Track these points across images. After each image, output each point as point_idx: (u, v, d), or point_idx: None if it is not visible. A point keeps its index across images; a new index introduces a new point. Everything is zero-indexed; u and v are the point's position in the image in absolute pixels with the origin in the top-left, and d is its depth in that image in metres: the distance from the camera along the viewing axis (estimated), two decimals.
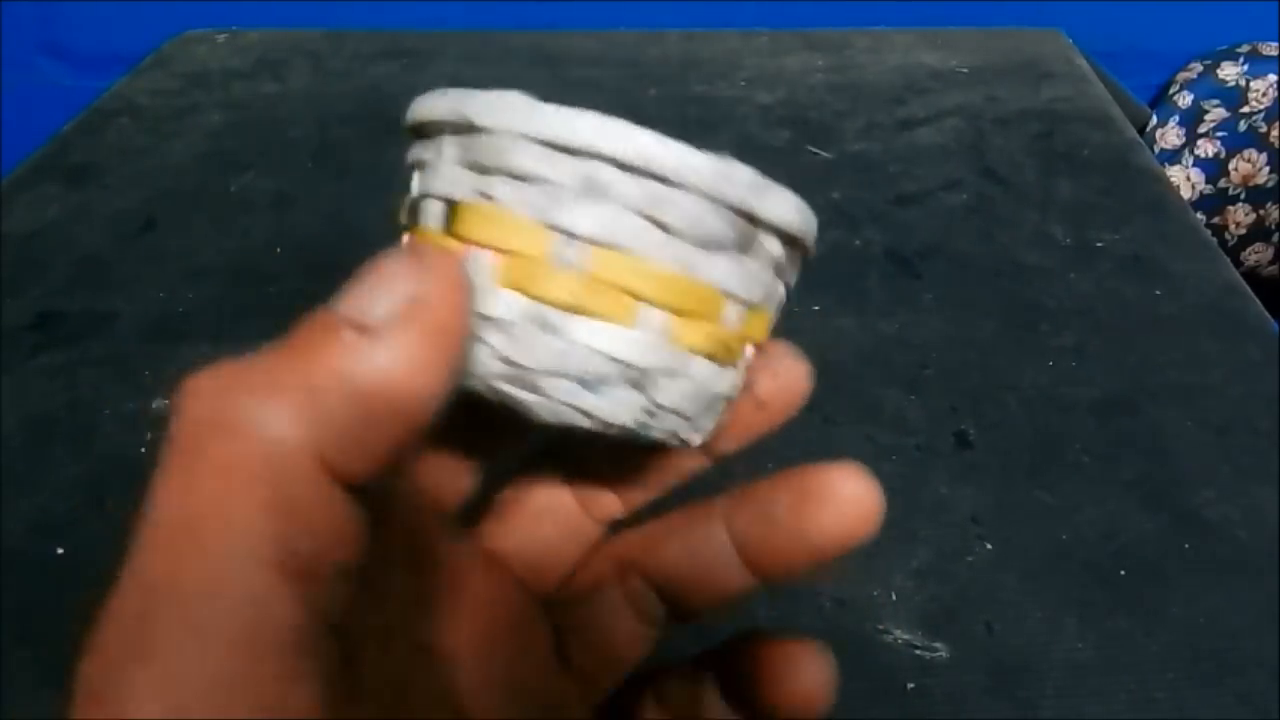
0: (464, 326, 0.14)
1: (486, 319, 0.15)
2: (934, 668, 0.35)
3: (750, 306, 0.17)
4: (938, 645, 0.36)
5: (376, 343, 0.13)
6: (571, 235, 0.15)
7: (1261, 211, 0.85)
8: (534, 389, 0.16)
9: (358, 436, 0.13)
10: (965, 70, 0.75)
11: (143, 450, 0.43)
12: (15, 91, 0.88)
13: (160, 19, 0.83)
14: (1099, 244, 0.56)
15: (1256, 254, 0.86)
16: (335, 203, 0.60)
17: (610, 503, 0.20)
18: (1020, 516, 0.40)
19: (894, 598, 0.37)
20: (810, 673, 0.18)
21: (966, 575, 0.38)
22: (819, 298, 0.51)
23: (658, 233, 0.15)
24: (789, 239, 0.17)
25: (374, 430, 0.13)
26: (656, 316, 0.15)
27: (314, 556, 0.12)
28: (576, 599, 0.20)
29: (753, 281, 0.16)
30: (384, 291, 0.13)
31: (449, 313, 0.13)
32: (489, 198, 0.15)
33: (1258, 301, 0.52)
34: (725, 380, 0.17)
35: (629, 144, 0.15)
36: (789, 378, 0.19)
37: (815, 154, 0.65)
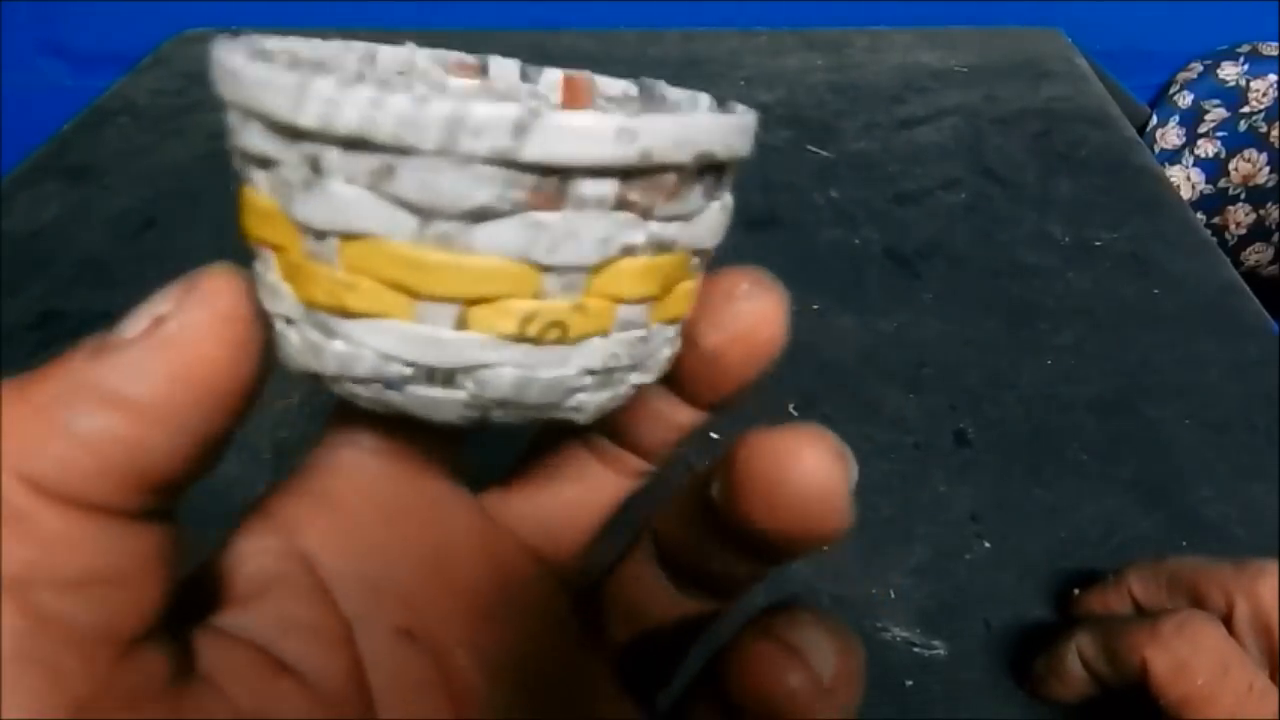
0: (217, 356, 0.13)
1: (283, 318, 0.14)
2: (933, 666, 0.35)
3: (588, 269, 0.13)
4: (936, 643, 0.36)
5: (114, 360, 0.13)
6: (311, 229, 0.13)
7: (1261, 211, 0.85)
8: (353, 394, 0.14)
9: (87, 463, 0.12)
10: (964, 69, 0.75)
11: None
12: (15, 91, 0.88)
13: (160, 19, 0.83)
14: (1098, 243, 0.56)
15: (1256, 254, 0.86)
16: None
17: (632, 461, 0.19)
18: (1019, 515, 0.41)
19: (892, 596, 0.37)
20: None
21: (965, 573, 0.38)
22: (818, 296, 0.51)
23: (406, 212, 0.12)
24: (624, 171, 0.13)
25: (104, 458, 0.13)
26: (439, 308, 0.13)
27: (50, 564, 0.12)
28: (611, 582, 0.19)
29: (571, 240, 0.13)
30: (136, 312, 0.13)
31: (190, 330, 0.13)
32: (252, 186, 0.14)
33: (1256, 301, 0.52)
34: (578, 360, 0.14)
35: (330, 110, 0.12)
36: (744, 321, 0.16)
37: (815, 153, 0.65)
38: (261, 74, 0.13)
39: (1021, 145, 0.66)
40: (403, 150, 0.12)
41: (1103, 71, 0.77)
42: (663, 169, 0.13)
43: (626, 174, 0.13)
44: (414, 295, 0.13)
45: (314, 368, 0.14)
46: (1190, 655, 0.28)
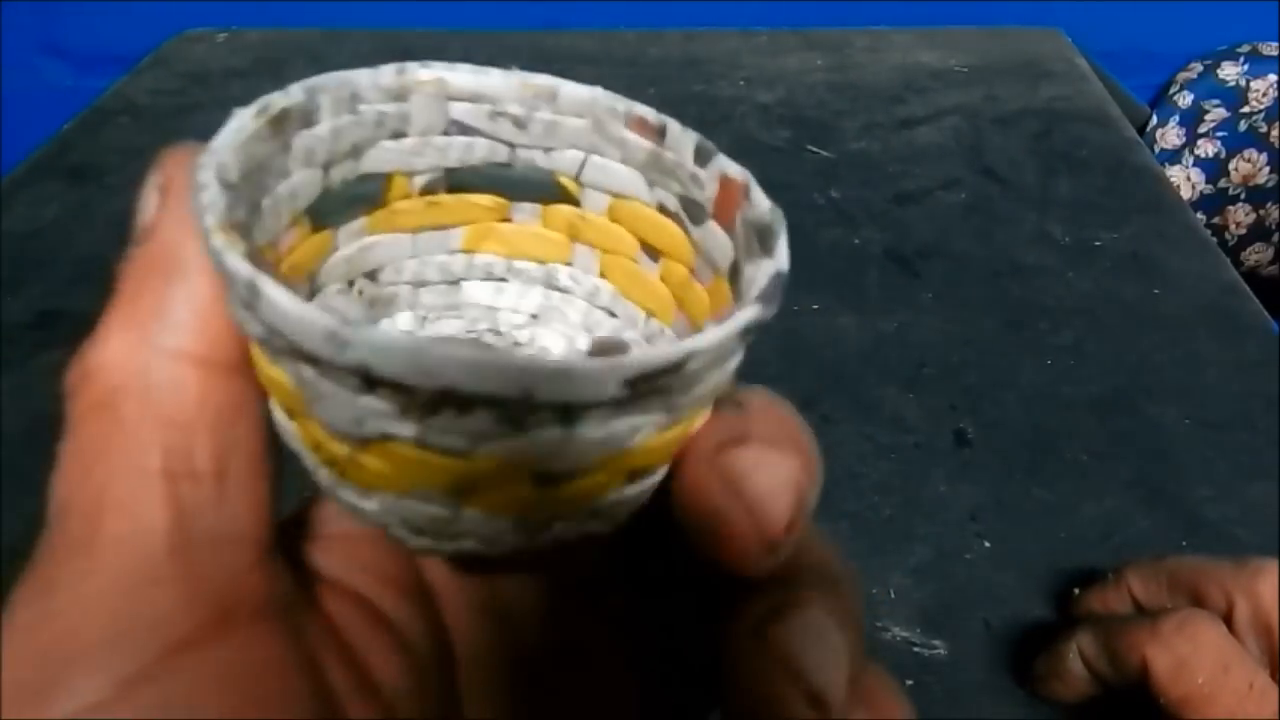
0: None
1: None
2: (933, 665, 0.35)
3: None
4: (936, 643, 0.36)
5: (155, 236, 0.14)
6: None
7: (1261, 211, 0.85)
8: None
9: (197, 318, 0.13)
10: (964, 69, 0.76)
11: None
12: (15, 91, 0.88)
13: (160, 19, 0.83)
14: (1098, 243, 0.56)
15: (1256, 254, 0.86)
16: None
17: None
18: (1019, 514, 0.41)
19: (893, 595, 0.37)
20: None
21: (965, 573, 0.38)
22: (818, 296, 0.51)
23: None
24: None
25: (209, 305, 0.13)
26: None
27: (191, 451, 0.13)
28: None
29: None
30: (142, 201, 0.14)
31: (179, 171, 0.14)
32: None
33: (1256, 301, 0.52)
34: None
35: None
36: (746, 500, 0.13)
37: (815, 153, 0.65)
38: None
39: (1021, 145, 0.66)
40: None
41: (1103, 71, 0.77)
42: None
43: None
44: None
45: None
46: (1191, 654, 0.28)
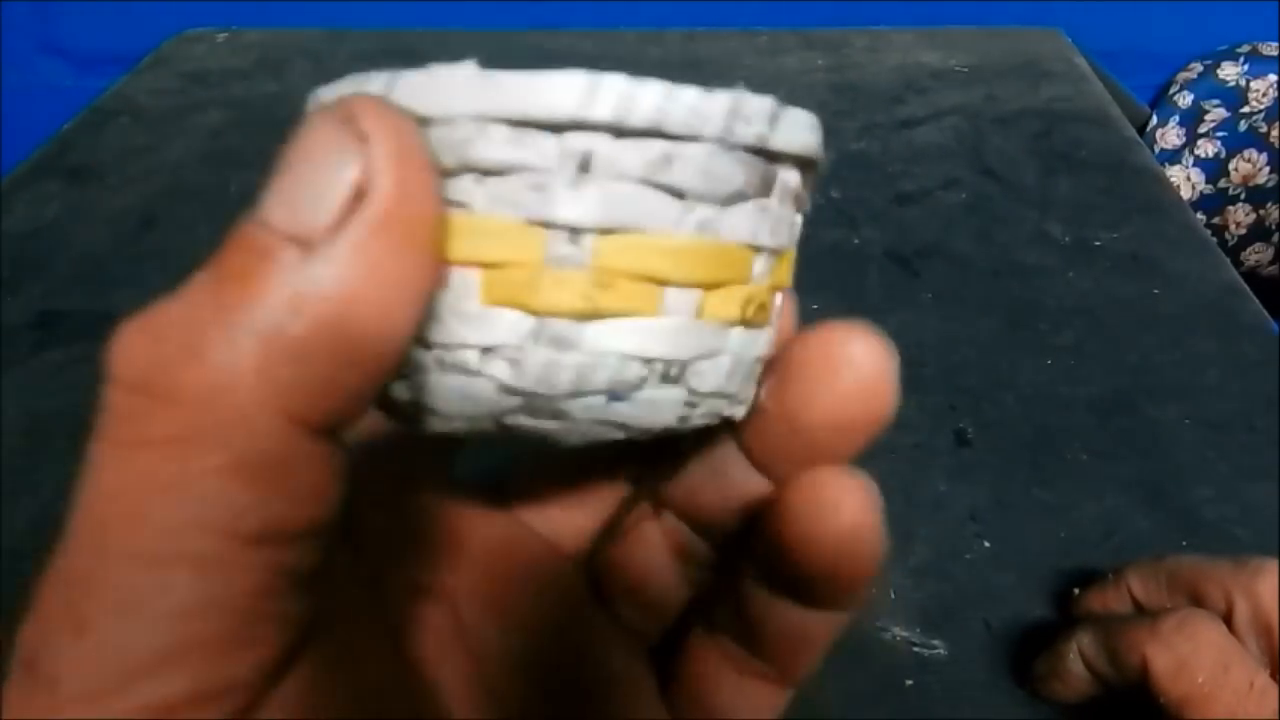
0: (430, 209, 0.11)
1: (485, 349, 0.13)
2: (933, 665, 0.35)
3: (778, 253, 0.14)
4: (936, 643, 0.36)
5: (322, 258, 0.11)
6: (571, 229, 0.12)
7: (1261, 211, 0.85)
8: (557, 415, 0.13)
9: (319, 373, 0.11)
10: (964, 69, 0.75)
11: None
12: (15, 91, 0.88)
13: (160, 19, 0.83)
14: (1097, 243, 0.56)
15: (1256, 254, 0.86)
16: None
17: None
18: (1019, 514, 0.41)
19: (892, 595, 0.37)
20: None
21: (965, 573, 0.38)
22: (818, 296, 0.51)
23: (673, 200, 0.13)
24: (805, 163, 0.14)
25: (337, 362, 0.11)
26: (684, 297, 0.13)
27: (278, 517, 0.11)
28: (613, 547, 0.19)
29: (779, 225, 0.14)
30: (320, 185, 0.11)
31: (406, 197, 0.11)
32: (460, 205, 0.12)
33: (1256, 301, 0.52)
34: (761, 342, 0.15)
35: (626, 104, 0.12)
36: (850, 396, 0.15)
37: None
38: (532, 78, 0.12)
39: (1021, 145, 0.65)
40: (685, 138, 0.13)
41: (1103, 71, 0.77)
42: (814, 164, 0.15)
43: (804, 166, 0.14)
44: (665, 284, 0.13)
45: (530, 389, 0.13)
46: (1191, 654, 0.28)
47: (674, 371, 0.13)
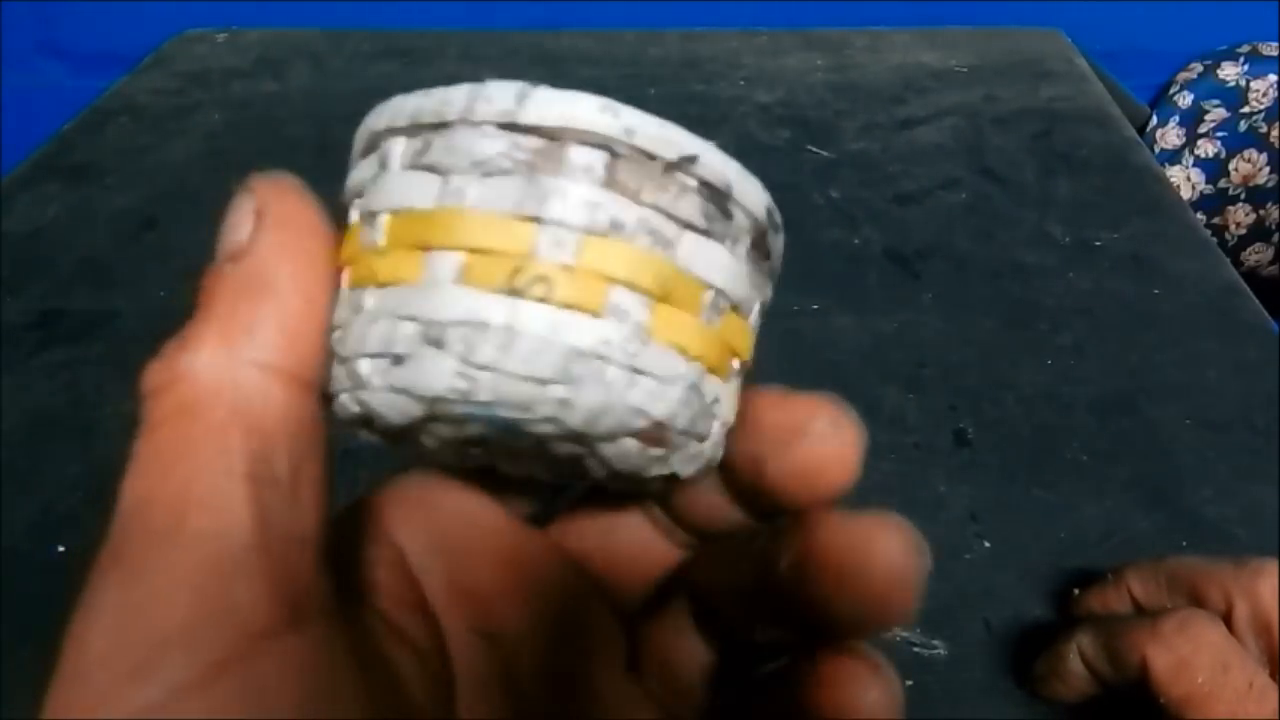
0: (313, 218, 0.15)
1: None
2: (933, 665, 0.35)
3: (578, 231, 0.14)
4: (936, 643, 0.36)
5: (248, 257, 0.15)
6: (369, 214, 0.15)
7: (1262, 211, 0.85)
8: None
9: (285, 336, 0.14)
10: (964, 69, 0.76)
11: None
12: (15, 91, 0.88)
13: (160, 19, 0.83)
14: (1098, 243, 0.56)
15: (1256, 254, 0.86)
16: (335, 202, 0.60)
17: (681, 535, 0.20)
18: (1019, 515, 0.41)
19: None
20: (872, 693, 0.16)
21: (965, 573, 0.38)
22: (818, 297, 0.51)
23: (431, 179, 0.15)
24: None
25: (296, 325, 0.14)
26: (445, 261, 0.14)
27: (272, 458, 0.14)
28: (649, 619, 0.20)
29: (562, 198, 0.14)
30: (233, 223, 0.15)
31: (293, 207, 0.15)
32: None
33: (1256, 300, 0.52)
34: (567, 336, 0.14)
35: (399, 111, 0.15)
36: (814, 463, 0.17)
37: (815, 153, 0.65)
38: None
39: (1021, 145, 0.66)
40: (437, 126, 0.15)
41: (1103, 71, 0.77)
42: (647, 155, 0.14)
43: (613, 152, 0.14)
44: (425, 249, 0.14)
45: (342, 352, 0.15)
46: (1191, 654, 0.28)
47: (433, 335, 0.14)
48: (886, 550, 0.15)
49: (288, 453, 0.14)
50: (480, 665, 0.18)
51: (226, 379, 0.14)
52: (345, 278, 0.16)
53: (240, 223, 0.15)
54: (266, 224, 0.15)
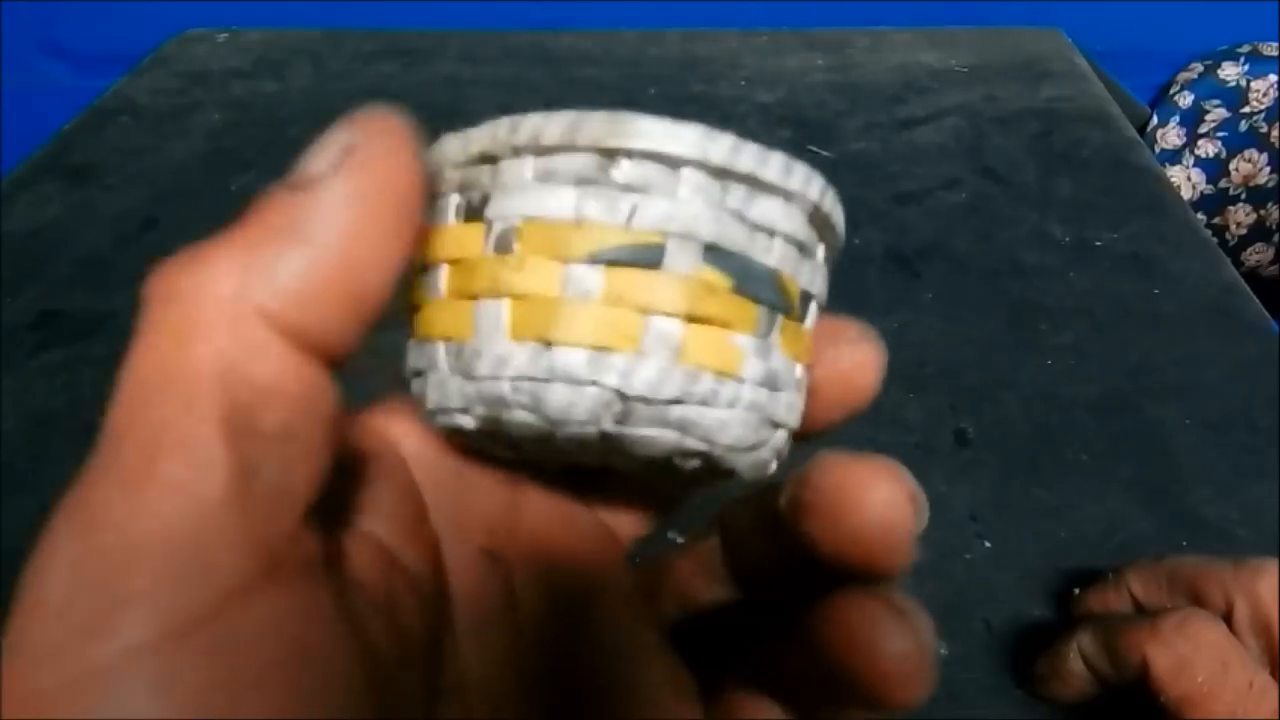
0: (408, 179, 0.13)
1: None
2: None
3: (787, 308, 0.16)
4: (936, 643, 0.36)
5: (314, 194, 0.13)
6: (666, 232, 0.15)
7: (1262, 212, 0.85)
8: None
9: (306, 292, 0.13)
10: (964, 69, 0.76)
11: None
12: (15, 91, 0.88)
13: (160, 19, 0.83)
14: (1098, 243, 0.56)
15: (1257, 254, 0.86)
16: None
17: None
18: (1019, 514, 0.41)
19: None
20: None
21: (965, 573, 0.38)
22: None
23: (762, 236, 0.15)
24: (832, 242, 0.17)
25: (323, 286, 0.13)
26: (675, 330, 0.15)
27: (255, 414, 0.13)
28: (681, 553, 0.20)
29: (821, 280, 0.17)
30: (319, 148, 0.13)
31: (389, 161, 0.13)
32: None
33: (1257, 300, 0.52)
34: (780, 400, 0.17)
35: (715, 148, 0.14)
36: (845, 364, 0.18)
37: (815, 153, 0.65)
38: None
39: (1021, 145, 0.66)
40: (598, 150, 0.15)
41: (1103, 71, 0.77)
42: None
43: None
44: (564, 262, 0.15)
45: (476, 370, 0.15)
46: (1191, 653, 0.28)
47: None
48: (878, 493, 0.15)
49: (280, 411, 0.13)
50: (481, 588, 0.17)
51: (226, 313, 0.13)
52: (449, 273, 0.15)
53: (325, 152, 0.13)
54: (351, 165, 0.13)
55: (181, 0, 0.84)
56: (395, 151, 0.13)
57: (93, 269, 0.55)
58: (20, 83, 0.88)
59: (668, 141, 0.14)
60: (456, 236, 0.15)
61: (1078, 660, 0.31)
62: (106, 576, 0.12)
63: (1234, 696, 0.27)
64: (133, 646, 0.11)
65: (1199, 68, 0.89)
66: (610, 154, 0.14)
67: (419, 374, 0.16)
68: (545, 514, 0.19)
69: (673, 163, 0.14)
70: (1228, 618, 0.29)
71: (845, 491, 0.15)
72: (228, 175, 0.63)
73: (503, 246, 0.15)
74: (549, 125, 0.14)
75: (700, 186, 0.14)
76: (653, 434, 0.15)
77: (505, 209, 0.15)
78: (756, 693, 0.18)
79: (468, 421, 0.15)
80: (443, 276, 0.15)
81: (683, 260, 0.14)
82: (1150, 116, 0.90)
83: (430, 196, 0.15)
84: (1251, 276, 0.83)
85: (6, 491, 0.41)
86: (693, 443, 0.15)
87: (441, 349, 0.15)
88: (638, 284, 0.14)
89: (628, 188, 0.14)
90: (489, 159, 0.15)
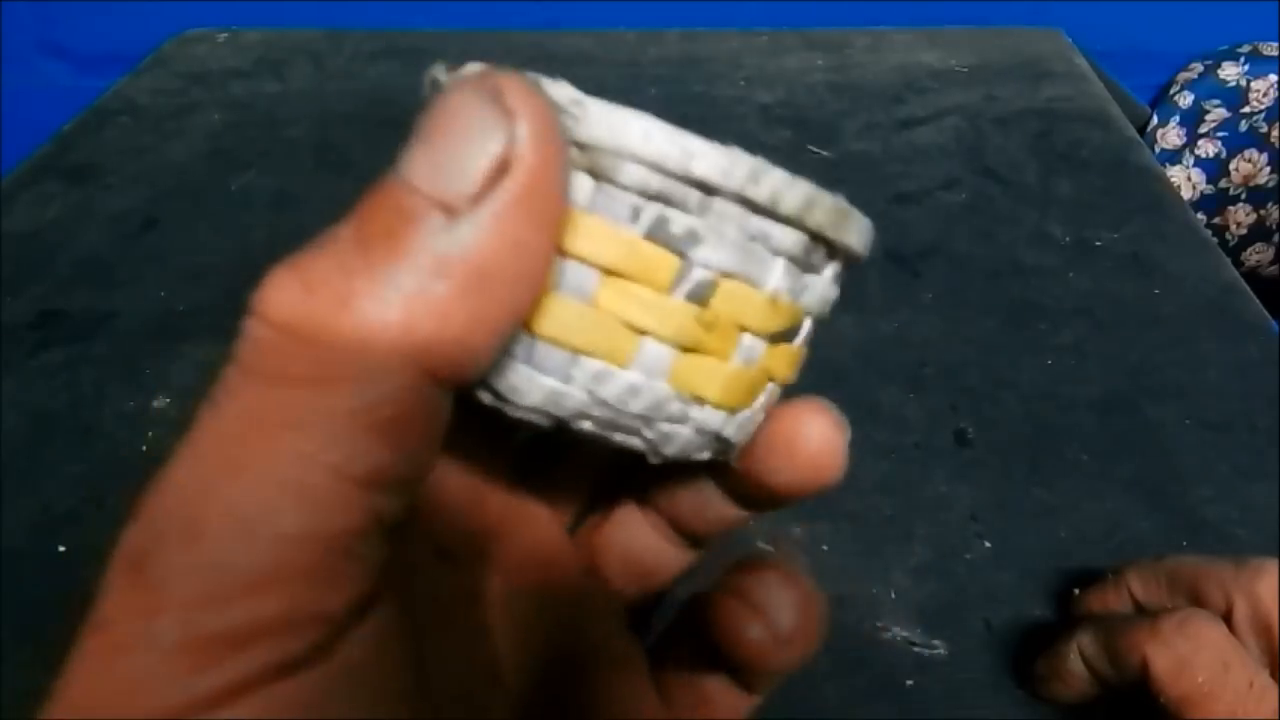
0: (561, 190, 0.12)
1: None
2: (933, 665, 0.35)
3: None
4: (936, 643, 0.36)
5: (465, 224, 0.11)
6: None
7: (1262, 211, 0.85)
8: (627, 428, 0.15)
9: (454, 332, 0.12)
10: (964, 69, 0.75)
11: (144, 449, 0.43)
12: (15, 91, 0.88)
13: (160, 19, 0.83)
14: (1098, 243, 0.56)
15: (1257, 254, 0.86)
16: (335, 202, 0.59)
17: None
18: (1019, 514, 0.41)
19: (893, 595, 0.37)
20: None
21: (965, 573, 0.38)
22: None
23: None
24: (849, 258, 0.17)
25: (473, 323, 0.12)
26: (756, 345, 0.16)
27: (389, 465, 0.12)
28: (605, 524, 0.21)
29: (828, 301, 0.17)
30: (466, 155, 0.12)
31: (545, 174, 0.12)
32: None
33: (1257, 300, 0.52)
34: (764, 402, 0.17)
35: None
36: (807, 453, 0.18)
37: (815, 153, 0.65)
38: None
39: (1021, 145, 0.66)
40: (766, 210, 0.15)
41: (1103, 71, 0.77)
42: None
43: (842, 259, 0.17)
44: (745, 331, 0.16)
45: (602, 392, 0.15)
46: (1191, 653, 0.28)
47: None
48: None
49: (401, 448, 0.12)
50: (442, 584, 0.18)
51: (356, 346, 0.11)
52: (605, 285, 0.14)
53: (475, 157, 0.11)
54: (505, 193, 0.12)
55: (181, 0, 0.84)
56: (551, 162, 0.12)
57: (93, 269, 0.55)
58: (20, 83, 0.88)
59: (859, 243, 0.16)
60: (634, 250, 0.14)
61: (1078, 660, 0.31)
62: (220, 611, 0.12)
63: (1234, 696, 0.27)
64: (239, 682, 0.11)
65: (1199, 68, 0.89)
66: (816, 240, 0.15)
67: (509, 355, 0.14)
68: (504, 513, 0.20)
69: (850, 260, 0.17)
70: (1228, 618, 0.29)
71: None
72: (228, 175, 0.63)
73: (697, 296, 0.14)
74: (790, 193, 0.15)
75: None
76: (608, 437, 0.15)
77: (713, 259, 0.14)
78: (696, 666, 0.19)
79: (545, 422, 0.15)
80: (593, 282, 0.14)
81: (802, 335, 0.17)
82: (1150, 116, 0.90)
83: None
84: (1251, 276, 0.83)
85: (7, 490, 0.41)
86: (636, 442, 0.15)
87: (567, 356, 0.14)
88: (778, 357, 0.16)
89: (809, 270, 0.16)
90: (704, 188, 0.14)
